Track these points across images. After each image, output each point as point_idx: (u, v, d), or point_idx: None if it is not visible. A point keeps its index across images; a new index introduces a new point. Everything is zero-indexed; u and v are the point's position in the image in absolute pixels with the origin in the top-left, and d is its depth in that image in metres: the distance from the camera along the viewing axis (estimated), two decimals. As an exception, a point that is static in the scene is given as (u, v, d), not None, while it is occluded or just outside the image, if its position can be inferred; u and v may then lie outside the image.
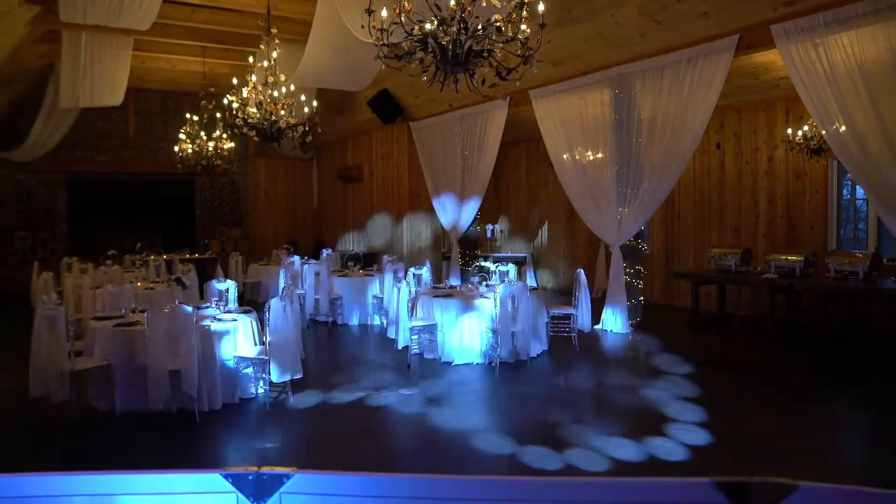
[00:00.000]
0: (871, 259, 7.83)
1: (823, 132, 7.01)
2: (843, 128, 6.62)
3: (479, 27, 4.79)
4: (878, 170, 6.47)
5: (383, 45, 4.84)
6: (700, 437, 5.06)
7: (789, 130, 9.20)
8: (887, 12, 6.04)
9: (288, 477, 1.51)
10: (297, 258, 11.85)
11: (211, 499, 1.53)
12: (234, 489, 1.52)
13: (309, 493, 1.50)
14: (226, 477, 1.52)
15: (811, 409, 5.85)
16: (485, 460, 4.77)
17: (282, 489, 1.51)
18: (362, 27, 4.86)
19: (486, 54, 4.89)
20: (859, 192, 9.49)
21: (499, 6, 4.73)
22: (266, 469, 1.52)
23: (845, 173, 9.38)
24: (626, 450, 4.80)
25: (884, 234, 9.22)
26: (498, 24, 4.74)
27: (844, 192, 9.75)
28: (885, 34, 6.20)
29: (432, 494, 1.42)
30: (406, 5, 4.73)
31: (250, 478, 1.52)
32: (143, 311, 6.16)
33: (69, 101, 12.43)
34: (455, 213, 12.51)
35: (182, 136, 13.22)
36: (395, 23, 4.72)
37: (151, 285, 9.08)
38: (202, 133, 13.11)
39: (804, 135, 8.79)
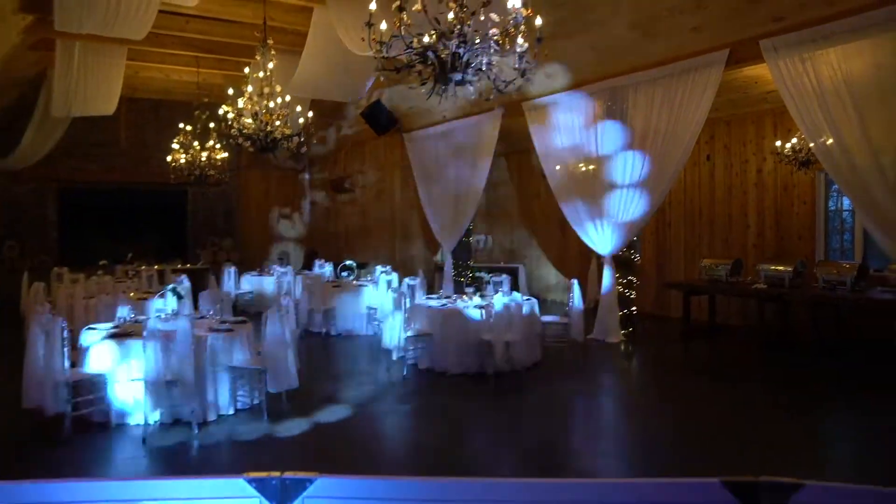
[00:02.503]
0: (858, 269, 7.96)
1: (812, 145, 7.13)
2: (831, 140, 6.74)
3: (477, 41, 4.86)
4: (864, 182, 6.59)
5: (382, 57, 4.90)
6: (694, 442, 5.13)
7: (778, 143, 9.33)
8: (872, 29, 6.19)
9: (311, 481, 1.55)
10: (289, 269, 11.83)
11: None
12: (257, 494, 1.55)
13: (331, 497, 1.54)
14: (249, 482, 1.56)
15: (801, 415, 5.93)
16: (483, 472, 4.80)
17: (304, 493, 1.55)
18: (362, 39, 4.92)
19: (483, 67, 4.95)
20: (846, 203, 9.64)
21: (497, 20, 4.80)
22: (289, 474, 1.56)
23: (832, 185, 9.53)
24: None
25: (870, 245, 9.35)
26: (496, 37, 4.82)
27: (831, 203, 9.90)
28: (871, 50, 6.35)
29: (454, 497, 1.47)
30: (406, 19, 4.79)
31: (273, 482, 1.56)
32: (137, 322, 6.16)
33: (61, 110, 12.39)
34: (448, 223, 12.56)
35: (175, 145, 13.20)
36: (395, 36, 4.78)
37: (145, 295, 9.07)
38: (195, 143, 13.10)
39: (792, 147, 8.94)
